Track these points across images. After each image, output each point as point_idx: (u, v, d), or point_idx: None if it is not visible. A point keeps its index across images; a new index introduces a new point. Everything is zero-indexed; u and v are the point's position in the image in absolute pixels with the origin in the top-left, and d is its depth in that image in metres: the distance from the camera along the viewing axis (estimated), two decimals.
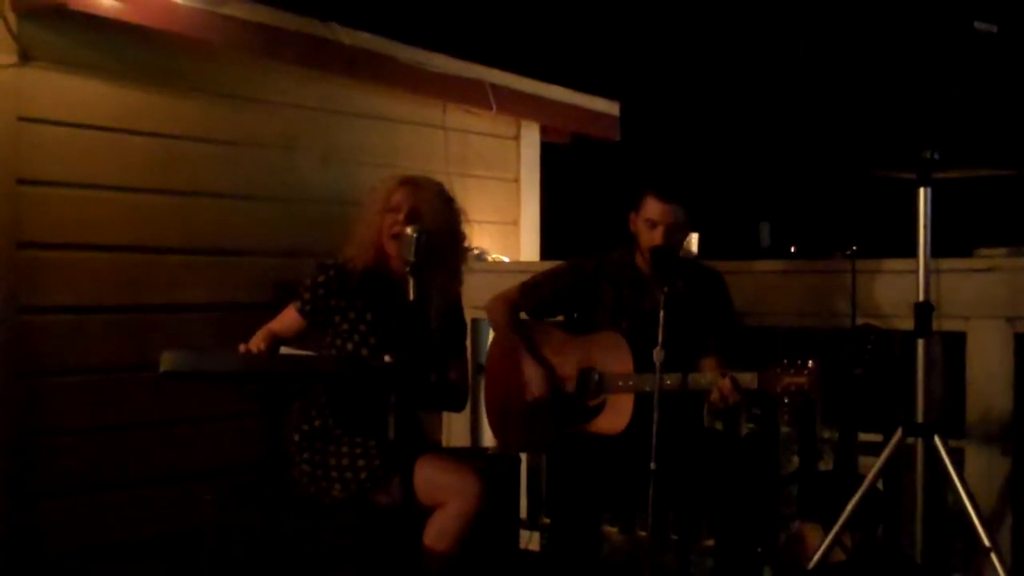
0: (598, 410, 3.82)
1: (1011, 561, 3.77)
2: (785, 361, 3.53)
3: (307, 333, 3.67)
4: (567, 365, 3.92)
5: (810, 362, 3.50)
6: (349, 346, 3.66)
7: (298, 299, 3.68)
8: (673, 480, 3.59)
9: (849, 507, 3.65)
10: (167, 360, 3.11)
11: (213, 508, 3.71)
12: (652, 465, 3.42)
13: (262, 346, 3.53)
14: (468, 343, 5.03)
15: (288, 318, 3.68)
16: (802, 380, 3.49)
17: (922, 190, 3.63)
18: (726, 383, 3.54)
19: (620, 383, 3.77)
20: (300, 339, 3.65)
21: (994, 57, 3.48)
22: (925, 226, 3.65)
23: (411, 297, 3.26)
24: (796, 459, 4.63)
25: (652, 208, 3.79)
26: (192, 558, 4.32)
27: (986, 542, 3.47)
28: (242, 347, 3.49)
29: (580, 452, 3.79)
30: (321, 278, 3.68)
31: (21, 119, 4.13)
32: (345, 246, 3.71)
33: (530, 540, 4.99)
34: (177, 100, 4.59)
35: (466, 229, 3.82)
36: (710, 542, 4.41)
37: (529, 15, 7.87)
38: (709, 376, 3.62)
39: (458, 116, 5.71)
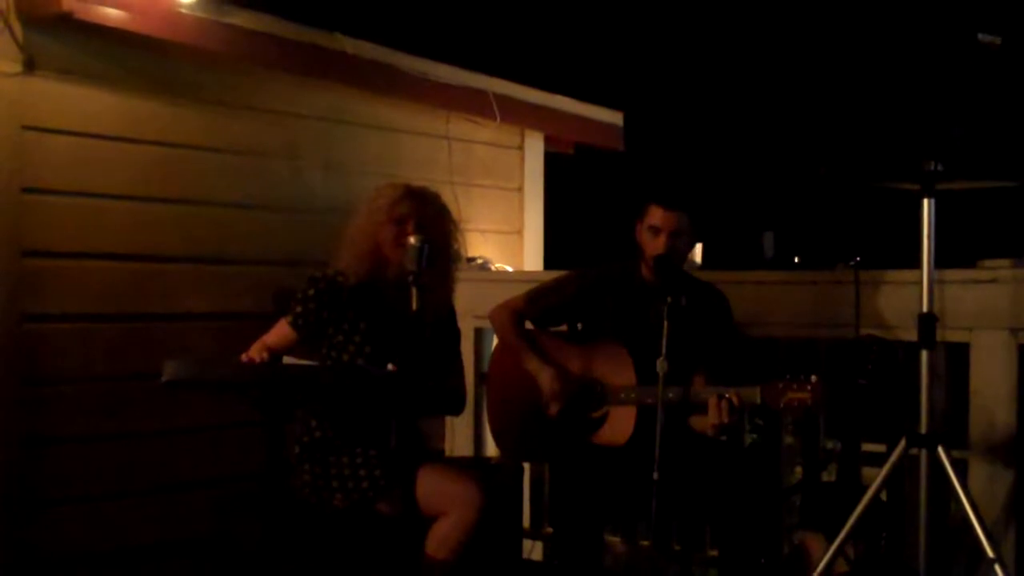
0: (601, 421, 3.82)
1: (1015, 572, 3.76)
2: (788, 376, 3.52)
3: (300, 346, 3.67)
4: (569, 375, 3.92)
5: (813, 377, 3.49)
6: (344, 357, 3.67)
7: (290, 313, 3.69)
8: (676, 490, 3.58)
9: (853, 518, 3.64)
10: (169, 369, 3.11)
11: (215, 517, 3.71)
12: (655, 475, 3.41)
13: (265, 356, 3.53)
14: (472, 352, 5.07)
15: (281, 332, 3.69)
16: (805, 395, 3.49)
17: (926, 201, 3.63)
18: (722, 405, 3.54)
19: (622, 395, 3.76)
20: (293, 352, 3.65)
21: (998, 69, 3.49)
22: (928, 237, 3.64)
23: (413, 306, 3.27)
24: (799, 470, 4.62)
25: (655, 215, 3.78)
26: (194, 567, 4.33)
27: (990, 553, 3.46)
28: (243, 357, 3.49)
29: (583, 462, 3.79)
30: (312, 291, 3.69)
31: (25, 128, 4.13)
32: (337, 255, 3.71)
33: (533, 550, 4.99)
34: (180, 109, 4.60)
35: (461, 239, 3.84)
36: (713, 552, 4.40)
37: (533, 25, 7.89)
38: (710, 391, 3.62)
39: (462, 126, 5.71)
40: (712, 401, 3.56)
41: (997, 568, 3.45)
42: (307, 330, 3.67)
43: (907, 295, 3.85)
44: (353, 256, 3.69)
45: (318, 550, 3.56)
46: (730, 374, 3.70)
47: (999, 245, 4.12)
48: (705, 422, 3.62)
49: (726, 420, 3.56)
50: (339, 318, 3.69)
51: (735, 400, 3.55)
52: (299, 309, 3.68)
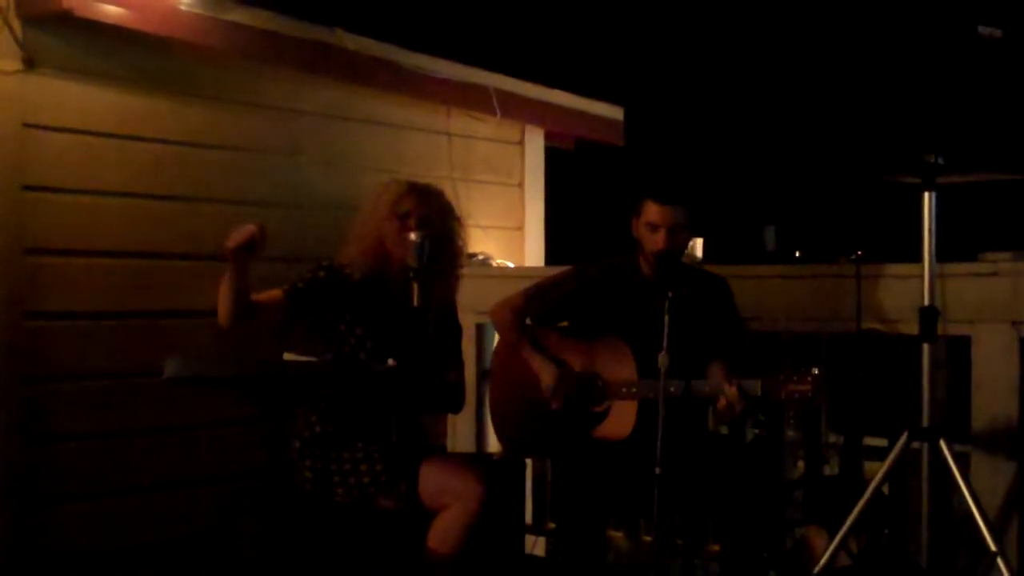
0: (602, 416, 3.82)
1: (1017, 565, 3.76)
2: (788, 368, 3.52)
3: (280, 314, 3.64)
4: (571, 371, 3.92)
5: (814, 369, 3.49)
6: (345, 349, 3.67)
7: (289, 283, 3.68)
8: (678, 485, 3.58)
9: (855, 512, 3.64)
10: (170, 367, 3.11)
11: (217, 513, 3.71)
12: (657, 470, 3.41)
13: (254, 230, 3.34)
14: (474, 349, 5.07)
15: (271, 292, 3.64)
16: (806, 388, 3.48)
17: (926, 194, 3.63)
18: (733, 391, 3.54)
19: (624, 390, 3.76)
20: (271, 317, 3.62)
21: (998, 61, 3.48)
22: (930, 230, 3.65)
23: (415, 302, 3.27)
24: (801, 464, 4.62)
25: (652, 212, 3.78)
26: (197, 563, 4.34)
27: (992, 546, 3.47)
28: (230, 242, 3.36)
29: (585, 457, 3.79)
30: (321, 273, 3.71)
31: (26, 125, 4.14)
32: (342, 250, 3.72)
33: (535, 545, 4.99)
34: (181, 106, 4.60)
35: (464, 236, 3.84)
36: (716, 547, 4.41)
37: (533, 21, 7.88)
38: (714, 383, 3.62)
39: (462, 121, 5.71)
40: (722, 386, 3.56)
41: (999, 561, 3.45)
42: (296, 303, 3.65)
43: (908, 289, 3.85)
44: (357, 251, 3.71)
45: (320, 546, 3.57)
46: (739, 361, 3.70)
47: (1000, 238, 4.12)
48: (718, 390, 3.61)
49: (735, 401, 3.55)
50: (341, 310, 3.70)
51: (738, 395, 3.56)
52: (300, 284, 3.68)
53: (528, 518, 4.87)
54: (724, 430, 4.56)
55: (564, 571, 3.78)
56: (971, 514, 3.49)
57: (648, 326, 3.70)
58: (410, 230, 3.49)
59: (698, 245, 5.05)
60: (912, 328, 3.73)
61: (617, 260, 3.99)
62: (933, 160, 3.55)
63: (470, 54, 5.63)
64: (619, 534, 4.80)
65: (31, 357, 4.16)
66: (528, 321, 4.07)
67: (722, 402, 3.57)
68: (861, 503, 3.65)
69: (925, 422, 3.64)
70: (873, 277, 4.09)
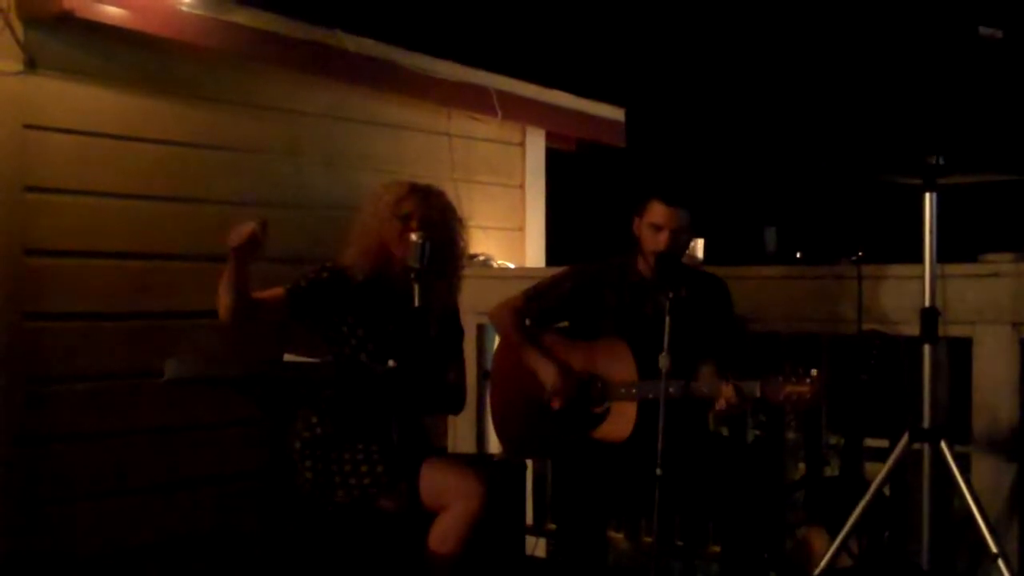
0: (602, 417, 3.82)
1: (1018, 566, 3.76)
2: (787, 369, 3.51)
3: (281, 312, 3.65)
4: (571, 371, 3.92)
5: (813, 371, 3.49)
6: (347, 351, 3.67)
7: (292, 282, 3.69)
8: (679, 486, 3.58)
9: (855, 513, 3.64)
10: (171, 368, 3.11)
11: (217, 514, 3.71)
12: (658, 471, 3.41)
13: (256, 227, 3.40)
14: (475, 350, 5.07)
15: (273, 291, 3.65)
16: (804, 389, 3.48)
17: (927, 195, 3.63)
18: (729, 390, 3.54)
19: (623, 391, 3.76)
20: (271, 316, 3.63)
21: (999, 62, 3.48)
22: (931, 231, 3.64)
23: (416, 303, 3.27)
24: (802, 465, 4.62)
25: (656, 212, 3.78)
26: (197, 563, 4.34)
27: (993, 548, 3.46)
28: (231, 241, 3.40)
29: (586, 458, 3.79)
30: (325, 274, 3.72)
31: (27, 127, 4.13)
32: (344, 250, 3.73)
33: (536, 546, 4.99)
34: (182, 107, 4.60)
35: (466, 237, 3.85)
36: (716, 548, 4.40)
37: (534, 21, 7.89)
38: (713, 384, 3.61)
39: (463, 122, 5.71)
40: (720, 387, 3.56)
41: (1000, 563, 3.45)
42: (298, 301, 3.66)
43: (909, 290, 3.84)
44: (359, 253, 3.71)
45: (320, 546, 3.56)
46: (735, 362, 3.69)
47: (1001, 239, 4.12)
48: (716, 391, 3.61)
49: (733, 400, 3.54)
50: (343, 311, 3.70)
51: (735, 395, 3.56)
52: (303, 283, 3.69)
53: (529, 519, 4.87)
54: (725, 431, 4.56)
55: (565, 572, 3.78)
56: (972, 515, 3.48)
57: (647, 326, 3.70)
58: (411, 231, 3.49)
59: (699, 246, 5.05)
60: (913, 329, 3.72)
61: (615, 260, 3.99)
62: (934, 161, 3.55)
63: (470, 55, 5.63)
64: (620, 535, 4.80)
65: (31, 357, 4.16)
66: (528, 322, 4.07)
67: (720, 403, 3.57)
68: (862, 504, 3.65)
69: (926, 423, 3.64)
70: (874, 278, 4.09)
